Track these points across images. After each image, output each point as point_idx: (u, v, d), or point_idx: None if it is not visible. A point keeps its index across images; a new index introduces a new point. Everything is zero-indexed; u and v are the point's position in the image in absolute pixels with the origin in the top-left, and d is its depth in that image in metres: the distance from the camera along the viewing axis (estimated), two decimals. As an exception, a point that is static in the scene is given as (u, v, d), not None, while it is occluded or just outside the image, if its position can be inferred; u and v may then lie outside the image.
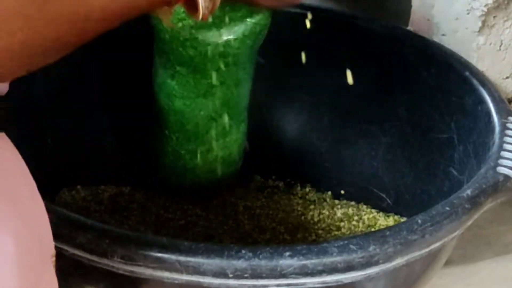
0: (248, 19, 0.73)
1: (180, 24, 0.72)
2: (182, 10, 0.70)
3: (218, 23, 0.72)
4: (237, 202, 0.87)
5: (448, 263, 0.75)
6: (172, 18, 0.71)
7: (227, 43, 0.73)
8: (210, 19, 0.69)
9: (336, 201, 0.90)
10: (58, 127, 0.85)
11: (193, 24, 0.71)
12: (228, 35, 0.73)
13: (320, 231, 0.84)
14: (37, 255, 0.47)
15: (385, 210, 0.88)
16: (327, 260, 0.57)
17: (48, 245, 0.49)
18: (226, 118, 0.78)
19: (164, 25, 0.73)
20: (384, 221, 0.86)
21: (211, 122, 0.78)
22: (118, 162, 0.90)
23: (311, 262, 0.56)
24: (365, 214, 0.87)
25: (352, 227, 0.85)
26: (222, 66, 0.74)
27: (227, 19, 0.72)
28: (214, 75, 0.74)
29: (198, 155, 0.80)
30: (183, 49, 0.73)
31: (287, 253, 0.56)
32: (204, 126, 0.78)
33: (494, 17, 0.83)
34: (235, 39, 0.73)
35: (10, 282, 0.44)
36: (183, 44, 0.73)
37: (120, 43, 0.87)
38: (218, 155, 0.80)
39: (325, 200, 0.91)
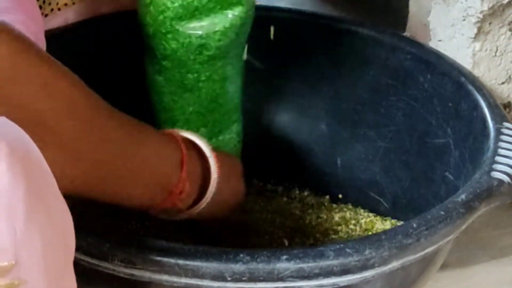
0: (228, 11, 0.74)
1: (161, 17, 0.73)
2: (161, 2, 0.72)
3: (198, 15, 0.73)
4: (236, 206, 0.88)
5: (444, 266, 0.76)
6: (154, 11, 0.73)
7: (207, 35, 0.74)
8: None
9: (334, 205, 0.91)
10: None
11: (173, 16, 0.73)
12: (208, 27, 0.74)
13: (318, 235, 0.85)
14: (62, 252, 0.49)
15: (382, 214, 0.89)
16: (324, 263, 0.57)
17: (71, 245, 0.51)
18: (216, 115, 0.79)
19: (147, 19, 0.74)
20: (381, 225, 0.87)
21: (200, 119, 0.78)
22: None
23: (307, 265, 0.57)
24: (362, 218, 0.88)
25: (350, 231, 0.86)
26: (205, 59, 0.75)
27: (207, 11, 0.73)
28: (198, 68, 0.76)
29: None
30: (165, 42, 0.75)
31: (284, 257, 0.57)
32: (194, 123, 0.78)
33: (489, 23, 0.84)
34: (215, 31, 0.74)
35: (37, 276, 0.46)
36: (165, 37, 0.74)
37: (115, 42, 0.88)
38: None
39: (323, 204, 0.92)
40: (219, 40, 0.74)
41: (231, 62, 0.77)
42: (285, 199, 0.92)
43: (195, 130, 0.79)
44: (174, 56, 0.75)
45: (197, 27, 0.74)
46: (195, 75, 0.76)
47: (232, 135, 0.82)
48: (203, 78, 0.76)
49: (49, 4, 0.85)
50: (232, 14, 0.74)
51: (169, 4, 0.73)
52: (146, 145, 0.62)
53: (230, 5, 0.74)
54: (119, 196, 0.61)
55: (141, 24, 0.76)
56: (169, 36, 0.74)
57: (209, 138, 0.80)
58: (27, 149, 0.46)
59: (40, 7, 0.83)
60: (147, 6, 0.74)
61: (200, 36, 0.74)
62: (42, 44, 0.68)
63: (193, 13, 0.73)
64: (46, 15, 0.85)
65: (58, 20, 0.86)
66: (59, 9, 0.86)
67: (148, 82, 0.79)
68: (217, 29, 0.74)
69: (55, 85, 0.53)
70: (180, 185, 0.64)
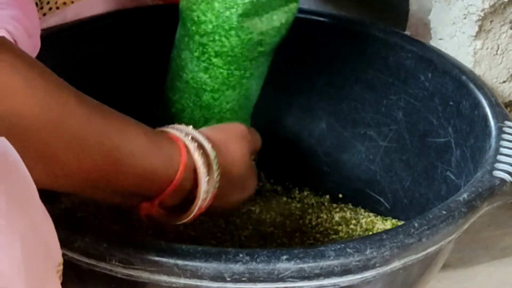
0: (285, 7, 0.75)
1: (227, 13, 0.73)
2: None
3: (261, 12, 0.74)
4: (235, 206, 0.88)
5: (445, 266, 0.75)
6: (219, 7, 0.73)
7: (266, 31, 0.75)
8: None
9: (334, 205, 0.91)
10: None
11: (241, 12, 0.73)
12: (268, 23, 0.75)
13: (318, 235, 0.84)
14: (43, 260, 0.48)
15: (383, 214, 0.89)
16: (324, 263, 0.57)
17: (54, 252, 0.49)
18: (244, 112, 0.79)
19: (208, 15, 0.74)
20: (382, 224, 0.86)
21: (233, 116, 0.79)
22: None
23: (308, 265, 0.57)
24: (363, 218, 0.87)
25: (350, 231, 0.85)
26: (255, 55, 0.76)
27: (269, 8, 0.74)
28: (246, 65, 0.76)
29: None
30: (226, 39, 0.75)
31: (284, 257, 0.56)
32: (226, 120, 0.79)
33: (490, 21, 0.84)
34: (273, 28, 0.75)
35: (18, 284, 0.45)
36: (227, 34, 0.74)
37: (114, 41, 0.87)
38: None
39: (323, 204, 0.91)
40: (274, 36, 0.76)
41: (269, 59, 0.79)
42: (284, 199, 0.91)
43: None
44: (229, 53, 0.75)
45: (258, 24, 0.74)
46: (242, 72, 0.77)
47: None
48: (247, 75, 0.77)
49: (48, 3, 0.85)
50: (288, 10, 0.76)
51: (239, 0, 0.73)
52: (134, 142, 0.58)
53: (287, 2, 0.75)
54: (108, 191, 0.58)
55: (195, 21, 0.75)
56: (232, 32, 0.74)
57: None
58: (5, 154, 0.45)
59: (37, 4, 0.83)
60: (209, 3, 0.73)
61: (261, 32, 0.75)
62: (35, 39, 0.67)
63: (258, 10, 0.74)
64: (44, 14, 0.84)
65: (57, 19, 0.86)
66: (57, 8, 0.85)
67: (185, 80, 0.78)
68: (275, 25, 0.75)
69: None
70: (167, 198, 0.60)
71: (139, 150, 0.57)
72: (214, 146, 0.62)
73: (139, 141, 0.57)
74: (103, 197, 0.59)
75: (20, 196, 0.45)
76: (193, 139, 0.61)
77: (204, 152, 0.61)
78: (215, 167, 0.61)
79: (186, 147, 0.60)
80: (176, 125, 0.63)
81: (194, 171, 0.61)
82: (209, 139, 0.62)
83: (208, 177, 0.61)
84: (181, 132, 0.62)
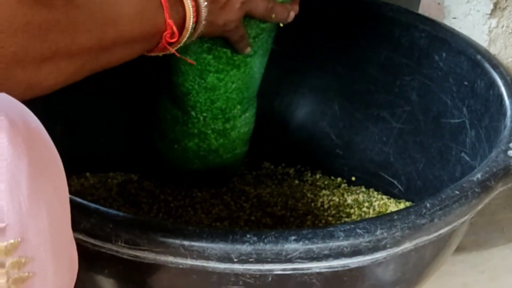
0: None
1: None
2: None
3: None
4: (246, 189, 0.87)
5: (460, 249, 0.74)
6: None
7: None
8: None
9: (347, 188, 0.90)
10: (67, 115, 0.84)
11: None
12: None
13: (330, 218, 0.83)
14: (66, 226, 0.47)
15: (396, 196, 0.87)
16: (333, 244, 0.56)
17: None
18: (250, 91, 0.78)
19: None
20: (395, 207, 0.85)
21: (239, 96, 0.77)
22: (127, 148, 0.89)
23: (317, 246, 0.56)
24: (375, 201, 0.86)
25: (363, 214, 0.84)
26: (258, 32, 0.74)
27: None
28: (251, 43, 0.75)
29: (224, 134, 0.79)
30: None
31: (293, 237, 0.55)
32: (232, 101, 0.77)
33: (506, -1, 0.82)
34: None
35: (44, 253, 0.44)
36: None
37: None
38: (240, 131, 0.80)
39: (335, 187, 0.90)
40: None
41: (272, 36, 0.77)
42: (296, 182, 0.90)
43: (232, 108, 0.77)
44: None
45: None
46: None
47: (253, 112, 0.81)
48: (251, 53, 0.75)
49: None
50: None
51: None
52: None
53: None
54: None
55: None
56: None
57: (239, 115, 0.79)
58: (27, 121, 0.45)
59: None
60: None
61: None
62: None
63: None
64: None
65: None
66: None
67: (185, 63, 0.77)
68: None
69: None
70: (168, 30, 0.64)
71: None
72: None
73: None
74: (120, 57, 0.61)
75: (44, 163, 0.45)
76: None
77: None
78: None
79: None
80: None
81: None
82: None
83: None
84: None
